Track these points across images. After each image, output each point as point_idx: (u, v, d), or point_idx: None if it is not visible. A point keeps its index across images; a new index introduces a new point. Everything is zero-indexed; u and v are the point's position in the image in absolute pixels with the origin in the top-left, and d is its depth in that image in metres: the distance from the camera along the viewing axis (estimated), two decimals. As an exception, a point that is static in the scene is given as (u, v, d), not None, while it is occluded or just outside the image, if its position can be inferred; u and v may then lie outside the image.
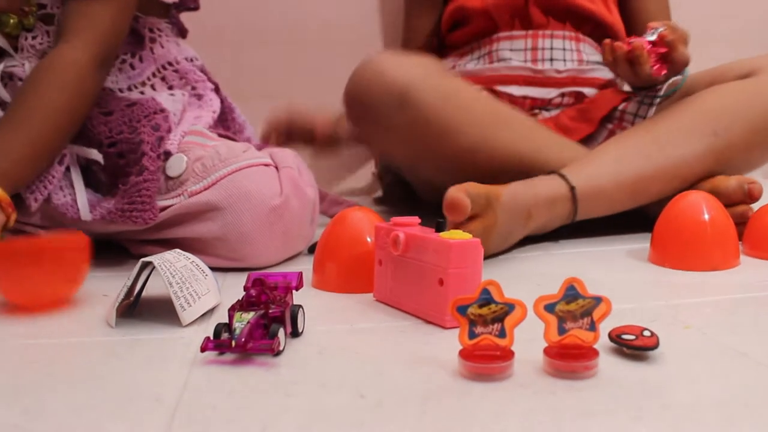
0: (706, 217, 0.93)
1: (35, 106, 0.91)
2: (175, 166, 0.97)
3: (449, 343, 0.63)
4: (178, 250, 0.80)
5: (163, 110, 1.01)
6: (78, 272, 0.80)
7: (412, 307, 0.74)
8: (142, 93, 1.07)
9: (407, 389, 0.55)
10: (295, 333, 0.68)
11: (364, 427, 0.49)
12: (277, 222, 0.95)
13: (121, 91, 1.06)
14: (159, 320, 0.73)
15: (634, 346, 0.60)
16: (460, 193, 0.89)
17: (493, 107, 1.11)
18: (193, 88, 1.12)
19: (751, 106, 1.10)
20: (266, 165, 1.00)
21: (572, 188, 1.03)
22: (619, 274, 0.91)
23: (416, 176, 1.33)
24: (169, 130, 0.99)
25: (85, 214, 0.95)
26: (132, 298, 0.78)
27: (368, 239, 0.83)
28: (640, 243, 1.06)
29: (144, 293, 0.79)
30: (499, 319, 0.57)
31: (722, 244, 0.93)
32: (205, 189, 0.94)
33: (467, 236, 0.70)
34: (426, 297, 0.71)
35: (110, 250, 1.03)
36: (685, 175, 1.08)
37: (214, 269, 0.82)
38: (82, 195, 0.97)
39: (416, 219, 0.77)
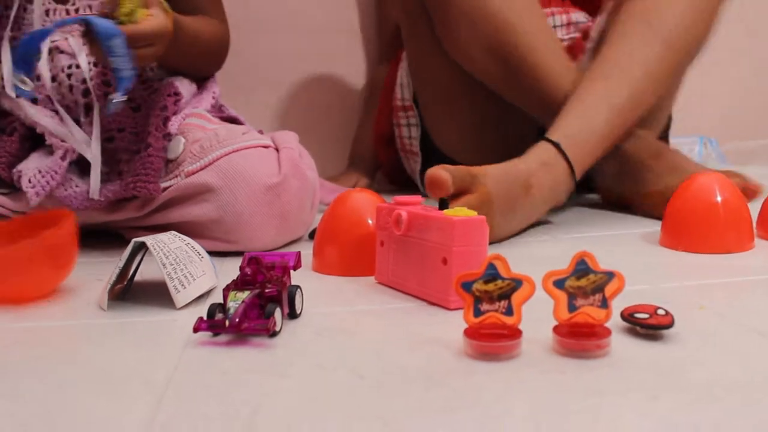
0: (719, 198, 0.90)
1: None
2: (174, 148, 0.96)
3: (454, 323, 0.60)
4: (173, 232, 0.78)
5: (177, 94, 1.01)
6: (67, 257, 0.77)
7: (415, 289, 0.71)
8: (162, 78, 1.06)
9: (409, 370, 0.52)
10: (292, 314, 0.65)
11: (362, 408, 0.46)
12: (274, 202, 0.92)
13: (152, 78, 1.06)
14: (153, 303, 0.71)
15: (648, 325, 0.57)
16: (439, 169, 0.87)
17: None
18: None
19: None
20: (266, 147, 0.97)
21: (556, 144, 1.01)
22: (629, 257, 0.88)
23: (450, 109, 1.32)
24: (174, 113, 0.99)
25: (95, 192, 0.93)
26: (125, 282, 0.75)
27: (369, 221, 0.80)
28: (652, 227, 1.03)
29: (138, 277, 0.77)
30: (506, 295, 0.54)
31: (736, 227, 0.90)
32: (201, 169, 0.92)
33: (472, 213, 0.67)
34: (429, 277, 0.69)
35: (107, 235, 1.01)
36: (653, 88, 1.08)
37: (212, 254, 0.79)
38: (97, 175, 0.94)
39: (418, 198, 0.74)
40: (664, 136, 1.37)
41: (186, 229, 0.91)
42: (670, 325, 0.57)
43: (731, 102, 1.92)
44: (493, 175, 0.92)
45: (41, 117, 0.96)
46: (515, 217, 0.97)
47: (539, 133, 1.06)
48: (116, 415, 0.46)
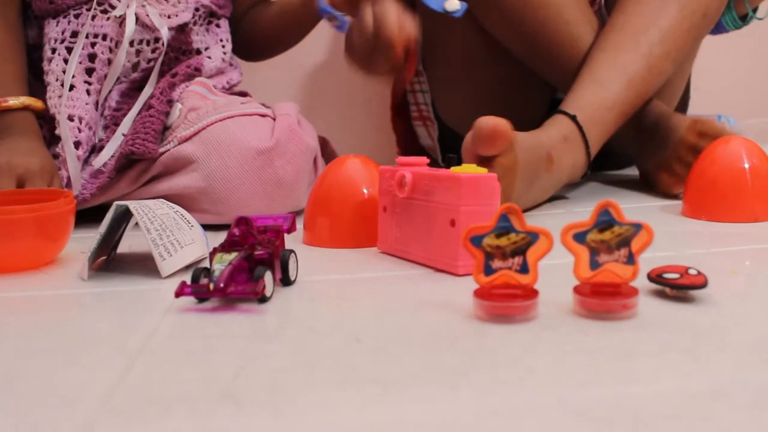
0: (746, 165, 0.84)
1: None
2: (171, 114, 0.91)
3: (463, 288, 0.54)
4: (162, 199, 0.72)
5: (198, 69, 0.98)
6: (62, 232, 0.72)
7: (420, 256, 0.65)
8: (200, 52, 1.02)
9: (412, 333, 0.47)
10: (286, 280, 0.59)
11: (358, 372, 0.40)
12: (266, 167, 0.87)
13: (198, 51, 1.02)
14: (138, 273, 0.65)
15: (680, 285, 0.51)
16: (498, 119, 0.79)
17: None
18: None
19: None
20: (263, 115, 0.92)
21: (573, 117, 0.95)
22: (653, 227, 0.82)
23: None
24: (181, 81, 0.95)
25: (100, 161, 0.89)
26: (109, 252, 0.70)
27: (364, 190, 0.74)
28: (673, 200, 0.97)
29: (126, 249, 0.72)
30: (521, 251, 0.48)
31: (764, 194, 0.84)
32: (194, 134, 0.87)
33: (482, 170, 0.62)
34: (436, 242, 0.63)
35: (102, 210, 0.96)
36: (667, 51, 1.00)
37: (205, 228, 0.74)
38: (111, 151, 0.90)
39: (424, 159, 0.68)
40: (682, 111, 1.31)
41: (176, 201, 0.86)
42: (704, 285, 0.51)
43: (749, 79, 1.86)
44: (521, 141, 0.86)
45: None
46: (534, 189, 0.91)
47: (551, 106, 1.00)
48: (82, 381, 0.41)
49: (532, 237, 0.48)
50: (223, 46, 1.07)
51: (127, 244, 0.74)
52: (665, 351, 0.42)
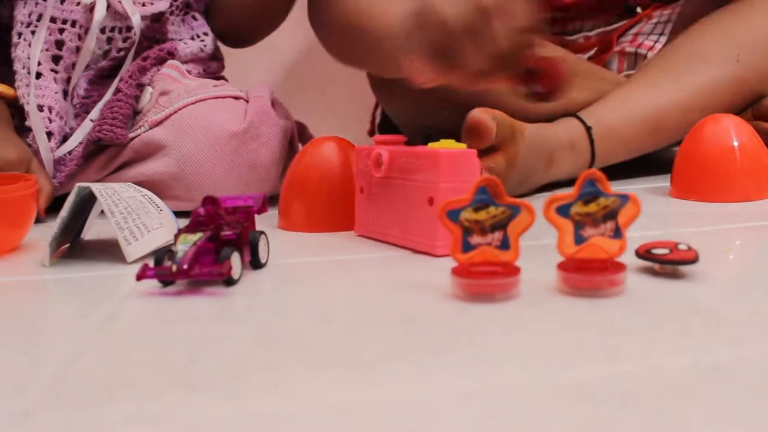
0: (735, 143, 0.82)
1: None
2: (142, 98, 0.88)
3: (442, 269, 0.51)
4: (129, 183, 0.69)
5: (171, 53, 0.94)
6: (23, 217, 0.68)
7: (398, 237, 0.62)
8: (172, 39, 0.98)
9: (387, 314, 0.44)
10: (256, 263, 0.56)
11: (328, 355, 0.37)
12: (240, 149, 0.83)
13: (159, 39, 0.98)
14: (103, 259, 0.62)
15: (670, 261, 0.48)
16: (486, 114, 0.75)
17: None
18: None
19: None
20: (236, 98, 0.89)
21: (588, 128, 0.91)
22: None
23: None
24: (152, 65, 0.91)
25: (62, 151, 0.85)
26: (73, 238, 0.67)
27: (342, 172, 0.71)
28: (661, 182, 0.94)
29: (96, 236, 0.68)
30: (501, 225, 0.45)
31: (754, 173, 0.81)
32: (166, 118, 0.84)
33: (461, 146, 0.59)
34: (414, 222, 0.60)
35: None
36: (704, 105, 0.96)
37: (178, 216, 0.70)
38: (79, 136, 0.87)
39: (401, 137, 0.65)
40: None
41: (146, 189, 0.83)
42: (695, 260, 0.48)
43: None
44: (529, 137, 0.82)
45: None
46: (528, 185, 0.88)
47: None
48: (27, 367, 0.38)
49: (513, 210, 0.45)
50: (202, 40, 1.03)
51: (95, 231, 0.71)
52: (656, 327, 0.39)
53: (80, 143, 0.87)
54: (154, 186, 0.84)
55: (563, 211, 0.45)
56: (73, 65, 0.90)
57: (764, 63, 0.96)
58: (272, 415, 0.30)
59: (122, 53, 0.92)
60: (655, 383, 0.32)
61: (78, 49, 0.89)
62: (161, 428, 0.29)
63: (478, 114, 0.74)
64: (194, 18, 1.02)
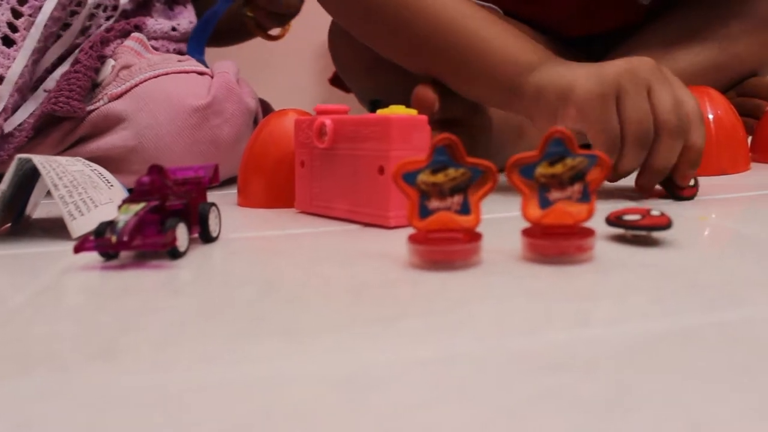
0: (710, 116, 0.79)
1: None
2: (102, 71, 0.84)
3: (398, 239, 0.48)
4: (79, 157, 0.66)
5: (138, 27, 0.91)
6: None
7: (345, 211, 0.59)
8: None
9: (336, 282, 0.41)
10: (206, 236, 0.53)
11: (263, 322, 0.34)
12: (202, 125, 0.80)
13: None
14: (48, 236, 0.59)
15: (642, 226, 0.46)
16: (426, 87, 0.74)
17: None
18: None
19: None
20: (201, 73, 0.86)
21: None
22: (609, 184, 0.76)
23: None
24: (116, 37, 0.87)
25: (11, 125, 0.81)
26: (20, 215, 0.63)
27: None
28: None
29: (46, 214, 0.65)
30: (461, 189, 0.42)
31: (730, 146, 0.79)
32: (126, 91, 0.81)
33: (412, 112, 0.56)
34: (363, 193, 0.57)
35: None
36: None
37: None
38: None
39: (345, 107, 0.62)
40: None
41: (106, 162, 0.79)
42: (668, 226, 0.45)
43: None
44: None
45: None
46: (500, 156, 0.85)
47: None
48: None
49: (474, 172, 0.42)
50: (178, 23, 1.00)
51: (46, 210, 0.67)
52: (626, 293, 0.36)
53: (31, 114, 0.83)
54: (113, 161, 0.81)
55: (527, 172, 0.42)
56: (55, 37, 0.85)
57: (743, 49, 0.94)
58: (196, 387, 0.27)
59: (100, 30, 0.88)
60: (621, 350, 0.29)
61: (57, 20, 0.85)
62: (76, 401, 0.26)
63: (420, 87, 0.73)
64: (182, 5, 0.99)
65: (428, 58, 0.73)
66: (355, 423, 0.24)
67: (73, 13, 0.85)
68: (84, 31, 0.87)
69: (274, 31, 1.16)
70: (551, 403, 0.24)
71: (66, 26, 0.85)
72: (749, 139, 0.88)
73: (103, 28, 0.88)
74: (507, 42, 0.69)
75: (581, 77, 0.62)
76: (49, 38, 0.84)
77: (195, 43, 0.96)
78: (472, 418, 0.24)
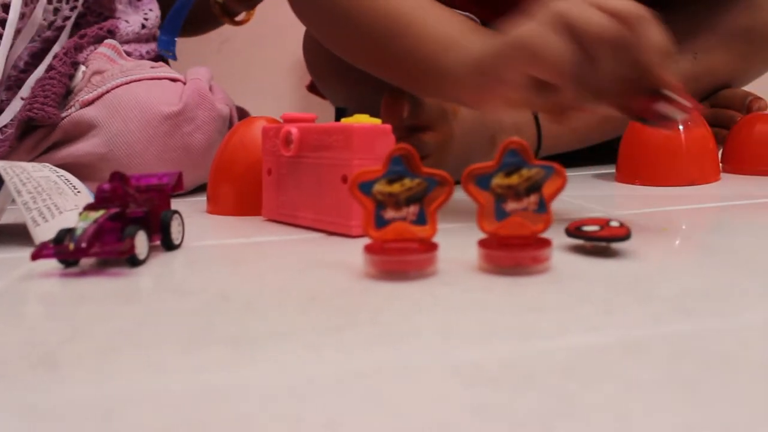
0: (681, 126, 0.80)
1: None
2: (75, 77, 0.84)
3: (358, 249, 0.48)
4: (46, 163, 0.65)
5: (111, 32, 0.91)
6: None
7: (310, 219, 0.59)
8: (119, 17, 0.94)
9: (289, 291, 0.40)
10: (168, 244, 0.53)
11: (211, 331, 0.34)
12: (173, 132, 0.80)
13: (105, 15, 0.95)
14: (12, 243, 0.58)
15: (599, 237, 0.46)
16: (396, 93, 0.73)
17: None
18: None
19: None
20: (173, 80, 0.86)
21: (536, 114, 0.89)
22: (581, 191, 0.77)
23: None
24: (89, 43, 0.87)
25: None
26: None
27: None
28: (609, 170, 0.93)
29: (14, 220, 0.64)
30: (417, 198, 0.42)
31: (700, 157, 0.80)
32: (98, 98, 0.80)
33: (376, 121, 0.56)
34: (327, 202, 0.57)
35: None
36: None
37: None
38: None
39: (312, 115, 0.62)
40: None
41: (74, 170, 0.79)
42: (626, 237, 0.46)
43: None
44: (463, 118, 0.79)
45: None
46: (469, 165, 0.85)
47: None
48: None
49: (429, 183, 0.42)
50: (146, 18, 0.99)
51: (14, 217, 0.67)
52: (577, 305, 0.36)
53: (12, 121, 0.83)
54: (84, 167, 0.80)
55: (483, 183, 0.42)
56: (17, 33, 0.85)
57: (718, 61, 0.95)
58: (134, 396, 0.27)
59: (66, 23, 0.88)
60: (563, 363, 0.29)
61: (23, 16, 0.85)
62: (11, 411, 0.26)
63: (389, 93, 0.72)
64: None
65: (387, 63, 0.70)
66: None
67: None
68: (50, 25, 0.87)
69: (239, 17, 1.17)
70: (484, 416, 0.24)
71: (23, 16, 0.85)
72: (720, 150, 0.89)
73: (71, 23, 0.87)
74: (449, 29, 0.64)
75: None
76: (14, 34, 0.85)
77: (167, 31, 0.96)
78: None
